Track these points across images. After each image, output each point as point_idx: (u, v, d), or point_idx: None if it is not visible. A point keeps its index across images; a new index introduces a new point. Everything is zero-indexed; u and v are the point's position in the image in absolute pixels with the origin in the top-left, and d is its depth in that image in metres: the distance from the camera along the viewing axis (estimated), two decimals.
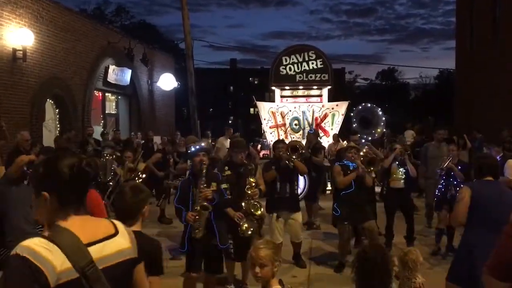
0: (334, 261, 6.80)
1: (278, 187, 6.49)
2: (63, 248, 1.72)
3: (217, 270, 5.08)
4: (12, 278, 1.67)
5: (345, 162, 6.59)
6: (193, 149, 5.27)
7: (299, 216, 6.77)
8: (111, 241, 1.89)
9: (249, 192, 5.44)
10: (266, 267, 2.99)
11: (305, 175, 8.54)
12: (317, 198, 9.52)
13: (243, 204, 5.45)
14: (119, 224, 2.00)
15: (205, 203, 4.72)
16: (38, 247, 1.70)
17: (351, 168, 6.45)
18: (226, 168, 5.75)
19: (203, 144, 5.78)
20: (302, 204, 8.63)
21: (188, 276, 4.96)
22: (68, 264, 1.71)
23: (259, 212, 5.47)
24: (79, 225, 1.82)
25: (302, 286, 6.02)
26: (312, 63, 13.35)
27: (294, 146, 6.55)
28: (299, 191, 8.77)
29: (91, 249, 1.79)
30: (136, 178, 7.24)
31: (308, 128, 12.79)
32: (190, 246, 4.83)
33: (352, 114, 10.98)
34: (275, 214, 6.49)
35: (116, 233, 1.94)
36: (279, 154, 6.61)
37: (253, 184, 5.48)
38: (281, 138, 12.61)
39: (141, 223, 3.03)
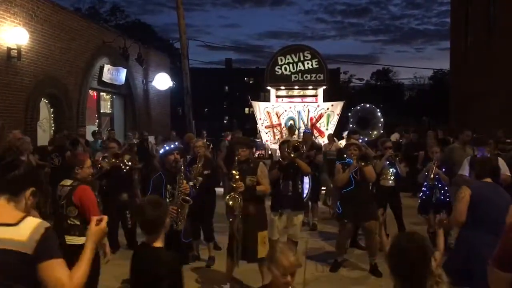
0: (330, 260, 6.83)
1: (281, 185, 6.47)
2: None
3: (183, 261, 5.25)
4: None
5: (347, 160, 6.60)
6: (167, 148, 5.48)
7: (301, 216, 6.80)
8: (4, 228, 2.11)
9: (234, 185, 5.49)
10: (295, 273, 2.80)
11: (309, 175, 8.62)
12: (318, 198, 9.53)
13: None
14: (30, 220, 2.17)
15: (186, 197, 5.11)
16: None
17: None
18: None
19: (176, 143, 6.07)
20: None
21: None
22: None
23: (230, 203, 5.49)
24: None
25: (298, 286, 6.01)
26: (308, 63, 13.37)
27: (295, 145, 6.52)
28: (305, 191, 8.80)
29: None
30: (122, 165, 7.16)
31: (304, 128, 12.80)
32: None
33: (350, 114, 10.97)
34: (278, 212, 6.49)
35: (14, 224, 2.13)
36: (284, 153, 6.61)
37: (237, 177, 5.48)
38: (276, 138, 12.67)
39: (164, 235, 3.11)
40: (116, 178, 7.17)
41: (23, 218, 2.17)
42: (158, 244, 3.03)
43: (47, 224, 2.20)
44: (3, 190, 2.24)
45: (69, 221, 4.35)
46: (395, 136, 15.38)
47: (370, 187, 7.83)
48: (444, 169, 7.20)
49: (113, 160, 7.12)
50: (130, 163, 7.32)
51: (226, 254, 5.81)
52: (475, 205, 4.05)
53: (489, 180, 4.23)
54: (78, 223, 4.35)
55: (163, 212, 3.08)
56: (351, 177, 6.38)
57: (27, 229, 2.12)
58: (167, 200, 5.09)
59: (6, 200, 2.22)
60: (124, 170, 7.18)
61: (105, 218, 2.50)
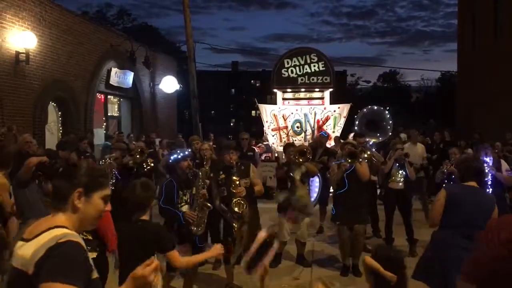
0: (336, 263, 6.84)
1: (290, 188, 6.63)
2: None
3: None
4: None
5: (342, 160, 6.55)
6: (180, 155, 5.45)
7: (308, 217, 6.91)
8: (23, 244, 1.89)
9: (234, 191, 5.50)
10: None
11: (320, 178, 8.67)
12: (327, 202, 9.50)
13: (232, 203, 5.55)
14: (48, 234, 1.85)
15: (207, 203, 5.08)
16: None
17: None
18: (221, 172, 5.84)
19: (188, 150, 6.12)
20: (316, 207, 8.73)
21: (170, 276, 5.12)
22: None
23: (240, 209, 5.50)
24: (39, 221, 1.97)
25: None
26: (314, 66, 13.39)
27: (302, 150, 6.71)
28: (315, 194, 8.82)
29: (18, 244, 1.92)
30: (145, 164, 7.19)
31: (310, 130, 12.81)
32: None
33: (356, 116, 10.89)
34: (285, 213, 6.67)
35: (31, 239, 1.87)
36: (290, 156, 6.77)
37: (237, 182, 5.53)
38: (283, 140, 12.68)
39: (148, 214, 3.60)
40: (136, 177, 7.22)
41: (45, 231, 1.86)
42: (145, 217, 3.54)
43: (65, 238, 1.83)
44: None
45: (81, 236, 4.28)
46: (402, 136, 15.29)
47: (378, 189, 7.79)
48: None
49: (138, 156, 7.17)
50: (152, 164, 7.33)
51: (224, 261, 5.84)
52: (449, 207, 4.06)
53: (472, 183, 4.16)
54: (90, 237, 4.27)
55: (150, 195, 3.56)
56: (345, 179, 6.35)
57: (36, 243, 1.82)
58: (178, 205, 5.08)
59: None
60: (145, 169, 7.20)
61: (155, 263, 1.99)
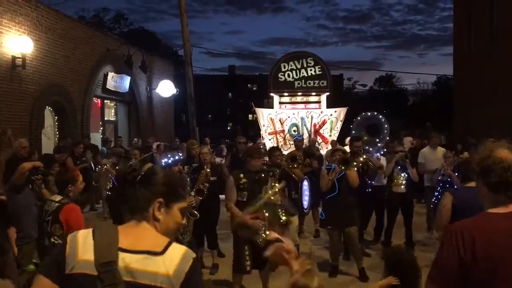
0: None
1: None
2: (95, 241, 1.75)
3: None
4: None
5: (333, 165, 6.58)
6: (171, 159, 5.39)
7: (295, 220, 6.95)
8: (149, 258, 1.74)
9: (272, 198, 5.10)
10: None
11: (309, 182, 8.65)
12: (319, 204, 9.50)
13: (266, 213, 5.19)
14: (175, 248, 1.79)
15: (194, 210, 5.09)
16: (79, 234, 1.81)
17: None
18: (242, 176, 5.56)
19: (179, 155, 6.07)
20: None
21: None
22: (90, 256, 1.72)
23: (284, 218, 5.21)
24: (127, 230, 1.82)
25: None
26: (311, 70, 13.39)
27: (294, 156, 6.89)
28: (307, 197, 8.81)
29: (122, 255, 1.73)
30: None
31: (307, 134, 12.79)
32: None
33: (352, 126, 10.87)
34: None
35: (161, 253, 1.75)
36: (276, 160, 6.71)
37: (276, 189, 5.17)
38: (280, 144, 12.66)
39: None
40: None
41: (169, 245, 1.79)
42: None
43: (193, 253, 1.82)
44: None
45: (52, 239, 4.03)
46: (408, 139, 15.32)
47: (386, 193, 7.79)
48: (456, 173, 7.19)
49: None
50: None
51: (235, 270, 5.56)
52: (458, 212, 3.97)
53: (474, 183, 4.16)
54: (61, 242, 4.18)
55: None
56: (336, 183, 6.37)
57: (173, 260, 1.74)
58: None
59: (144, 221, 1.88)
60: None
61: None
